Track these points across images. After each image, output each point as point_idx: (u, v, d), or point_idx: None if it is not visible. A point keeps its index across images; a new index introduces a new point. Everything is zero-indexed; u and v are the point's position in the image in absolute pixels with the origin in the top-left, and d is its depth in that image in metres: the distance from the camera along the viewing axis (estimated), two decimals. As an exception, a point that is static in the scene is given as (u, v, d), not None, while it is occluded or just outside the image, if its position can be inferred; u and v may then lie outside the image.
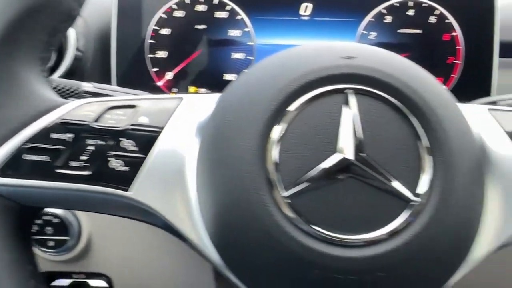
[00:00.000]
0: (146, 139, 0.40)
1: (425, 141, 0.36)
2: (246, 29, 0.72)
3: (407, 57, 0.72)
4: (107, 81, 0.72)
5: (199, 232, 0.39)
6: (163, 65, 0.73)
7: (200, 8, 0.72)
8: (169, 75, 0.73)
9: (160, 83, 0.73)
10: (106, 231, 0.71)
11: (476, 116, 0.42)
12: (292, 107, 0.36)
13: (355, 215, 0.34)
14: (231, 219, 0.36)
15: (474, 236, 0.38)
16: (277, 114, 0.36)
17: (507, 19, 0.74)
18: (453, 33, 0.72)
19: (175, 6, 0.72)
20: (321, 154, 0.35)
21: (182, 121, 0.41)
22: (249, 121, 0.36)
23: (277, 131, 0.36)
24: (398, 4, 0.72)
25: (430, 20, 0.72)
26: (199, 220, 0.39)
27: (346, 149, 0.35)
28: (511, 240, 0.39)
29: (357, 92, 0.37)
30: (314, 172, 0.35)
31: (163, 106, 0.42)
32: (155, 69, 0.73)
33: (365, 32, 0.72)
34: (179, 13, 0.72)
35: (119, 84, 0.72)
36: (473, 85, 0.73)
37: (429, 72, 0.74)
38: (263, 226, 0.35)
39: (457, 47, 0.72)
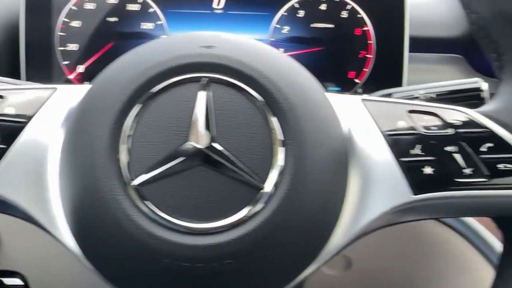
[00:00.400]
0: (10, 130, 0.39)
1: (277, 131, 0.36)
2: (159, 22, 0.72)
3: (321, 51, 0.74)
4: (17, 74, 0.71)
5: (57, 223, 0.38)
6: (74, 58, 0.71)
7: (112, 0, 0.71)
8: (81, 68, 0.72)
9: (71, 77, 0.72)
10: (16, 228, 0.70)
11: (349, 107, 0.43)
12: (145, 96, 0.36)
13: (203, 203, 0.35)
14: (85, 209, 0.36)
15: (332, 227, 0.39)
16: (130, 103, 0.36)
17: (417, 15, 0.75)
18: (365, 28, 0.73)
19: (85, -2, 0.71)
20: (173, 143, 0.35)
21: (52, 111, 0.41)
22: (102, 111, 0.36)
23: (129, 121, 0.36)
24: (310, -1, 0.73)
25: (342, 14, 0.73)
26: (59, 211, 0.38)
27: (197, 138, 0.35)
28: (364, 231, 0.39)
29: (212, 81, 0.37)
30: (164, 160, 0.35)
31: (35, 96, 0.42)
32: (66, 62, 0.71)
33: (278, 26, 0.73)
34: (90, 5, 0.71)
35: (29, 77, 0.70)
36: (385, 79, 0.74)
37: (342, 66, 0.76)
38: (113, 216, 0.34)
39: (369, 41, 0.73)
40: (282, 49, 0.73)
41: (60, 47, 0.71)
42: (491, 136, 0.40)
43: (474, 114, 0.41)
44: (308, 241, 0.37)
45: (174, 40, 0.40)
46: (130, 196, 0.34)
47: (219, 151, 0.35)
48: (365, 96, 0.45)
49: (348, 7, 0.73)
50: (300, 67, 0.41)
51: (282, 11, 0.73)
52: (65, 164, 0.37)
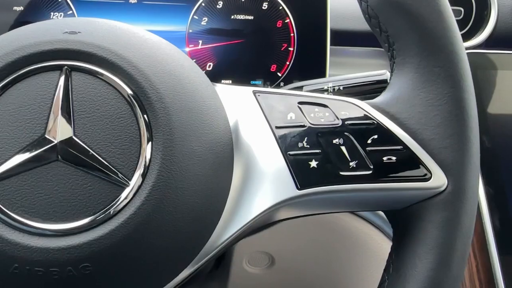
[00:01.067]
0: None
1: (144, 123, 0.34)
2: (69, 12, 0.68)
3: (241, 44, 0.72)
4: None
5: None
6: None
7: (19, -13, 0.67)
8: None
9: None
10: None
11: (239, 99, 0.41)
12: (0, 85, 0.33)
13: (59, 202, 0.32)
14: None
15: (210, 227, 0.36)
16: None
17: (339, 8, 0.74)
18: (286, 20, 0.72)
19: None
20: (26, 136, 0.32)
21: None
22: None
23: None
24: (229, -11, 0.70)
25: (263, 6, 0.71)
26: None
27: (54, 130, 0.32)
28: (248, 228, 0.37)
29: (74, 69, 0.34)
30: (16, 155, 0.32)
31: None
32: None
33: (196, 17, 0.70)
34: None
35: None
36: (307, 72, 0.73)
37: (264, 58, 0.73)
38: None
39: (291, 34, 0.72)
40: (200, 41, 0.71)
41: None
42: (378, 128, 0.38)
43: (364, 106, 0.40)
44: (180, 242, 0.35)
45: (38, 26, 0.37)
46: None
47: (78, 144, 0.32)
48: (256, 88, 0.43)
49: (269, -2, 0.71)
50: (181, 55, 0.39)
51: (200, 2, 0.70)
52: None
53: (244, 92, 0.42)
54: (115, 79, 0.34)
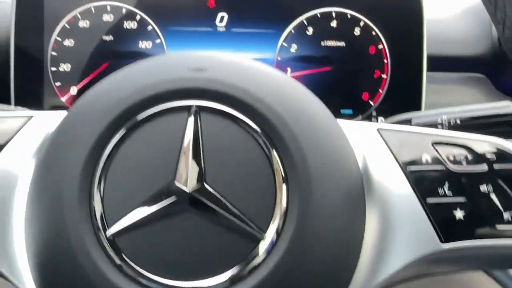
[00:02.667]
0: None
1: (279, 166, 0.30)
2: (157, 41, 0.67)
3: (331, 71, 0.68)
4: (8, 96, 0.66)
5: (21, 276, 0.33)
6: (67, 79, 0.67)
7: (107, 18, 0.67)
8: (73, 90, 0.67)
9: (63, 99, 0.67)
10: None
11: (364, 136, 0.38)
12: (124, 128, 0.31)
13: (190, 257, 0.29)
14: (51, 259, 0.30)
15: (346, 282, 0.32)
16: (106, 137, 0.31)
17: (435, 32, 0.70)
18: (380, 46, 0.68)
19: (79, 16, 0.66)
20: (155, 184, 0.30)
21: (26, 140, 0.36)
22: (76, 145, 0.31)
23: (105, 157, 0.30)
24: (320, 15, 0.67)
25: (355, 32, 0.68)
26: (23, 262, 0.33)
27: (184, 178, 0.30)
28: (384, 286, 0.33)
29: (203, 109, 0.31)
30: (144, 205, 0.29)
31: (9, 125, 0.37)
32: (58, 84, 0.67)
33: (285, 44, 0.68)
34: (84, 23, 0.66)
35: (20, 99, 0.66)
36: (402, 101, 0.69)
37: (355, 86, 0.69)
38: (83, 270, 0.29)
39: (384, 60, 0.68)
40: (289, 69, 0.68)
41: (52, 67, 0.66)
42: None
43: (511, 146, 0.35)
44: None
45: (160, 62, 0.35)
46: (103, 248, 0.29)
47: (210, 193, 0.29)
48: (381, 125, 0.39)
49: (361, 23, 0.68)
50: (306, 91, 0.36)
51: (289, 29, 0.67)
52: (32, 207, 0.32)
53: (368, 129, 0.38)
54: (246, 120, 0.31)
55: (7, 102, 0.66)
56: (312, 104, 0.35)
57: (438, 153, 0.36)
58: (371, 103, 0.68)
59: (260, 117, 0.31)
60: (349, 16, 0.67)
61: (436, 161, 0.35)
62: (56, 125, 0.36)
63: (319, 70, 0.68)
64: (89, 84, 0.67)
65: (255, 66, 0.35)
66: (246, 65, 0.35)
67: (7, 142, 0.36)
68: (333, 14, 0.67)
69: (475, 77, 0.74)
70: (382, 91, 0.68)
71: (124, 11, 0.67)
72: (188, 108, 0.31)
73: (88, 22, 0.66)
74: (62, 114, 0.38)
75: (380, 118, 0.69)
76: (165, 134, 0.31)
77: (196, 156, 0.30)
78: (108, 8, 0.66)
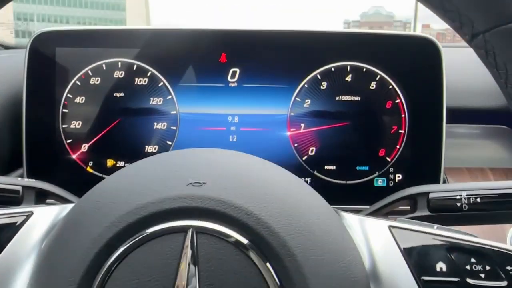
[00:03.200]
0: None
1: (275, 282, 0.29)
2: (168, 97, 0.66)
3: (347, 126, 0.66)
4: (18, 151, 0.66)
5: None
6: (78, 136, 0.66)
7: (118, 74, 0.66)
8: (85, 147, 0.66)
9: (74, 156, 0.66)
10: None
11: (372, 234, 0.36)
12: (117, 252, 0.30)
13: None
14: None
15: None
16: (98, 262, 0.29)
17: (454, 84, 0.67)
18: (396, 100, 0.65)
19: (90, 73, 0.66)
20: None
21: (24, 244, 0.35)
22: (72, 262, 0.30)
23: (100, 278, 0.29)
24: (334, 69, 0.65)
25: (371, 86, 0.66)
26: None
27: None
28: None
29: (200, 231, 0.30)
30: None
31: (7, 224, 0.36)
32: (69, 141, 0.66)
33: (298, 99, 0.66)
34: (95, 80, 0.66)
35: (31, 155, 0.65)
36: (420, 157, 0.66)
37: (371, 142, 0.67)
38: None
39: (401, 115, 0.65)
40: (303, 125, 0.66)
41: (63, 124, 0.66)
42: None
43: None
44: None
45: (158, 175, 0.33)
46: None
47: None
48: (393, 222, 0.37)
49: (377, 77, 0.65)
50: (305, 190, 0.34)
51: (303, 83, 0.66)
52: None
53: (377, 226, 0.36)
54: (246, 243, 0.29)
55: (19, 157, 0.66)
56: (311, 208, 0.33)
57: (455, 262, 0.33)
58: (388, 159, 0.66)
59: (261, 240, 0.29)
60: (364, 70, 0.65)
61: (452, 271, 0.33)
62: (53, 232, 0.35)
63: (333, 126, 0.66)
64: (100, 141, 0.66)
65: (255, 170, 0.33)
66: (243, 171, 0.33)
67: (8, 242, 0.35)
68: (348, 68, 0.65)
69: (497, 128, 0.71)
70: (399, 147, 0.66)
71: (135, 67, 0.66)
72: (185, 229, 0.30)
73: (99, 79, 0.66)
74: (63, 210, 0.37)
75: (398, 176, 0.66)
76: (162, 255, 0.30)
77: (192, 277, 0.28)
78: (119, 64, 0.66)
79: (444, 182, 0.67)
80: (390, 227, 0.36)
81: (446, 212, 0.48)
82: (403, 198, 0.51)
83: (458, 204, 0.47)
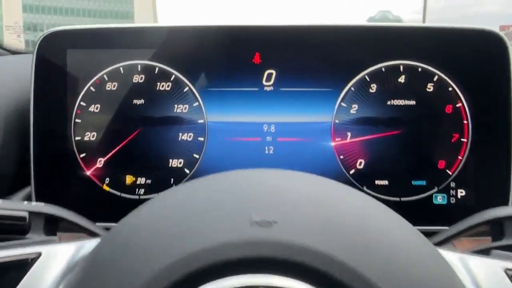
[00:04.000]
0: None
1: None
2: (195, 104, 0.58)
3: (400, 135, 0.57)
4: (25, 168, 0.58)
5: None
6: (93, 150, 0.58)
7: (138, 79, 0.58)
8: (101, 162, 0.58)
9: (89, 172, 0.58)
10: None
11: (484, 277, 0.27)
12: None
13: None
14: None
15: None
16: None
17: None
18: (458, 104, 0.57)
19: (106, 77, 0.58)
20: None
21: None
22: None
23: None
24: (385, 70, 0.57)
25: (428, 88, 0.57)
26: None
27: None
28: None
29: None
30: None
31: (12, 267, 0.29)
32: (83, 155, 0.58)
33: (344, 104, 0.57)
34: (112, 86, 0.58)
35: (39, 172, 0.57)
36: (486, 170, 0.57)
37: (429, 153, 0.58)
38: None
39: (463, 121, 0.57)
40: (349, 134, 0.58)
41: (76, 136, 0.58)
42: None
43: None
44: None
45: (210, 204, 0.25)
46: None
47: None
48: (509, 264, 0.28)
49: (435, 78, 0.57)
50: (412, 234, 0.26)
51: (349, 86, 0.57)
52: None
53: (486, 268, 0.28)
54: None
55: (27, 174, 0.58)
56: (421, 259, 0.24)
57: None
58: (449, 172, 0.57)
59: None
60: (420, 70, 0.57)
61: None
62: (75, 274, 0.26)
63: (385, 134, 0.57)
64: (118, 155, 0.58)
65: (345, 210, 0.25)
66: (333, 210, 0.25)
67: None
68: (401, 68, 0.57)
69: None
70: (462, 158, 0.57)
71: (156, 70, 0.58)
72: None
73: (116, 84, 0.58)
74: (81, 247, 0.29)
75: (461, 192, 0.57)
76: None
77: None
78: (139, 67, 0.58)
79: (514, 198, 0.58)
80: (507, 270, 0.27)
81: None
82: (485, 222, 0.42)
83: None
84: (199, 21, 0.59)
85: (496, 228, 0.42)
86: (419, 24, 0.57)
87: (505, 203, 0.56)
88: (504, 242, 0.40)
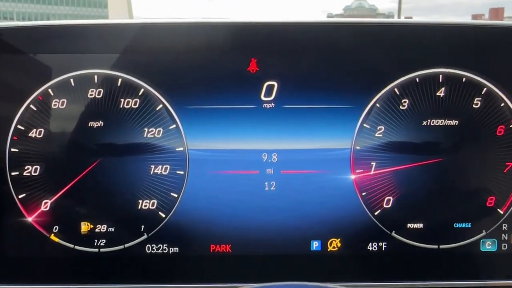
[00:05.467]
0: None
1: None
2: (172, 126, 0.44)
3: (439, 164, 0.44)
4: None
5: None
6: (36, 189, 0.44)
7: (95, 93, 0.43)
8: (46, 205, 0.44)
9: (31, 219, 0.44)
10: None
11: None
12: None
13: None
14: None
15: None
16: None
17: None
18: (511, 125, 0.44)
19: (51, 92, 0.43)
20: None
21: None
22: None
23: None
24: (420, 80, 0.44)
25: (474, 104, 0.44)
26: None
27: None
28: None
29: None
30: None
31: None
32: (22, 195, 0.44)
33: (367, 126, 0.44)
34: (59, 103, 0.43)
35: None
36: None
37: (475, 187, 0.45)
38: None
39: (520, 146, 0.44)
40: (373, 164, 0.44)
41: (13, 171, 0.43)
42: None
43: None
44: None
45: None
46: None
47: None
48: None
49: (484, 90, 0.44)
50: None
51: (373, 102, 0.44)
52: None
53: None
54: None
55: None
56: None
57: None
58: (500, 211, 0.45)
59: None
60: (464, 80, 0.44)
61: None
62: None
63: (419, 164, 0.44)
64: (69, 196, 0.44)
65: None
66: None
67: None
68: (441, 78, 0.44)
69: None
70: (519, 197, 0.44)
71: (120, 82, 0.43)
72: None
73: (65, 101, 0.43)
74: None
75: (516, 237, 0.45)
76: None
77: None
78: (96, 79, 0.43)
79: None
80: None
81: None
82: None
83: None
84: (177, 16, 0.45)
85: None
86: (461, 20, 0.44)
87: None
88: None
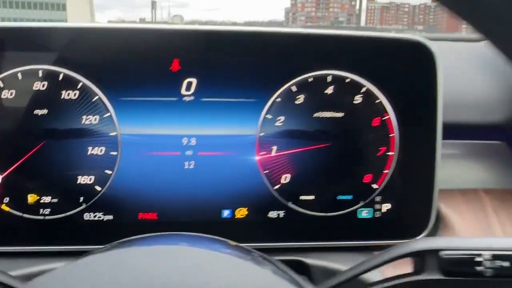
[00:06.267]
0: None
1: None
2: (106, 115, 0.52)
3: (326, 148, 0.55)
4: None
5: None
6: (-13, 166, 0.51)
7: (39, 86, 0.51)
8: (-3, 180, 0.52)
9: (-17, 192, 0.52)
10: None
11: None
12: None
13: None
14: None
15: None
16: None
17: (449, 98, 0.57)
18: (385, 117, 0.55)
19: (1, 84, 0.51)
20: None
21: None
22: None
23: None
24: (312, 80, 0.54)
25: (355, 100, 0.55)
26: None
27: None
28: None
29: None
30: None
31: None
32: (-24, 172, 0.51)
33: (270, 116, 0.54)
34: (8, 94, 0.51)
35: None
36: (412, 183, 0.56)
37: (355, 167, 0.55)
38: None
39: (390, 134, 0.55)
40: (275, 147, 0.54)
41: (-34, 151, 0.51)
42: None
43: None
44: None
45: None
46: None
47: None
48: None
49: (363, 89, 0.54)
50: None
51: (274, 97, 0.54)
52: None
53: None
54: None
55: None
56: None
57: None
58: (374, 186, 0.56)
59: None
60: (348, 81, 0.54)
61: None
62: None
63: (311, 148, 0.55)
64: (19, 171, 0.52)
65: None
66: None
67: None
68: (329, 79, 0.54)
69: (493, 145, 0.62)
70: (388, 172, 0.56)
71: (61, 77, 0.51)
72: None
73: (13, 92, 0.51)
74: None
75: (386, 205, 0.56)
76: None
77: None
78: (40, 73, 0.51)
79: (438, 210, 0.57)
80: None
81: (462, 277, 0.38)
82: (406, 255, 0.41)
83: (479, 268, 0.37)
84: (110, 22, 0.53)
85: (416, 260, 0.40)
86: (349, 32, 0.54)
87: (427, 217, 0.56)
88: (422, 276, 0.39)
